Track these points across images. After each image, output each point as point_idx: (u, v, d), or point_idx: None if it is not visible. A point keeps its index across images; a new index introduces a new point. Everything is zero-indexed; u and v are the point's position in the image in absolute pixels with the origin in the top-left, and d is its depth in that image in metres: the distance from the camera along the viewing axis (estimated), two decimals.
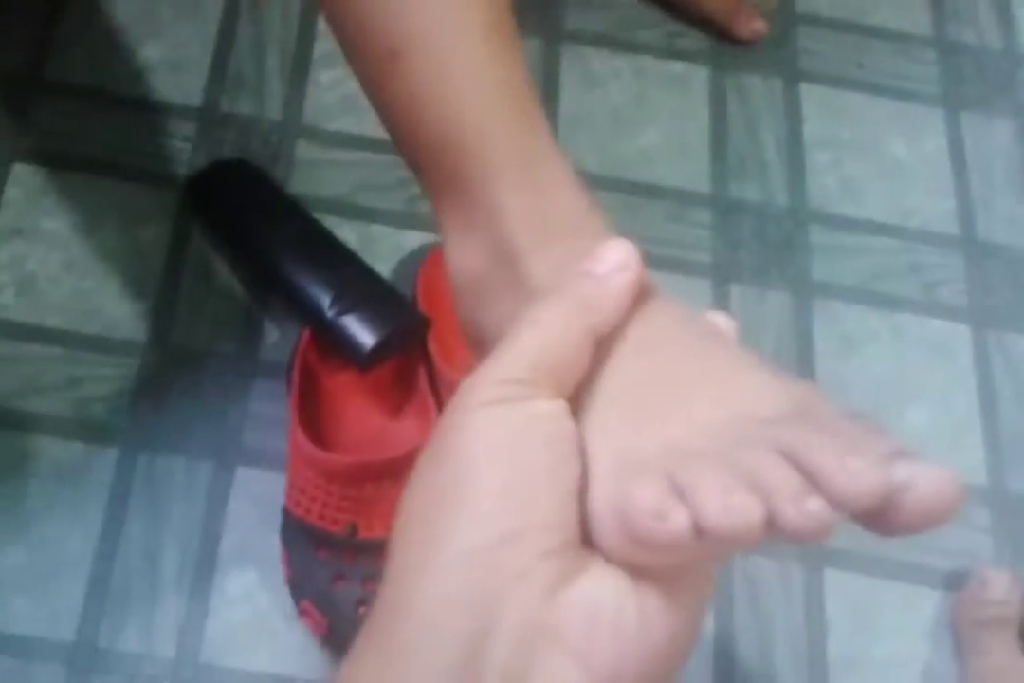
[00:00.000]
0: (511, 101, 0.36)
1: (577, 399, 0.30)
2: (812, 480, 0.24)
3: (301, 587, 0.58)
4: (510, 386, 0.28)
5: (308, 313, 0.66)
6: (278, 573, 0.60)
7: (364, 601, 0.56)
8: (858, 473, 0.24)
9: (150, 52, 0.81)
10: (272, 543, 0.61)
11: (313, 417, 0.65)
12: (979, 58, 0.91)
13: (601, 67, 0.86)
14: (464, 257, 0.37)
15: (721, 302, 0.76)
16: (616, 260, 0.31)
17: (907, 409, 0.73)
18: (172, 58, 0.81)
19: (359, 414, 0.67)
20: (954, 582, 0.66)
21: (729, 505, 0.24)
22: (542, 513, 0.27)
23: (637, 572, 0.27)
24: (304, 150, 0.77)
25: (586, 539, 0.27)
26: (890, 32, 0.91)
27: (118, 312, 0.70)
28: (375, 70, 0.38)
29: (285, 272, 0.68)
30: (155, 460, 0.65)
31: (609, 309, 0.30)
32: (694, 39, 0.88)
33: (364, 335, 0.64)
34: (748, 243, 0.79)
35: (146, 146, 0.77)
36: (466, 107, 0.36)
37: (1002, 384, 0.75)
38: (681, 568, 0.27)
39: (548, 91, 0.83)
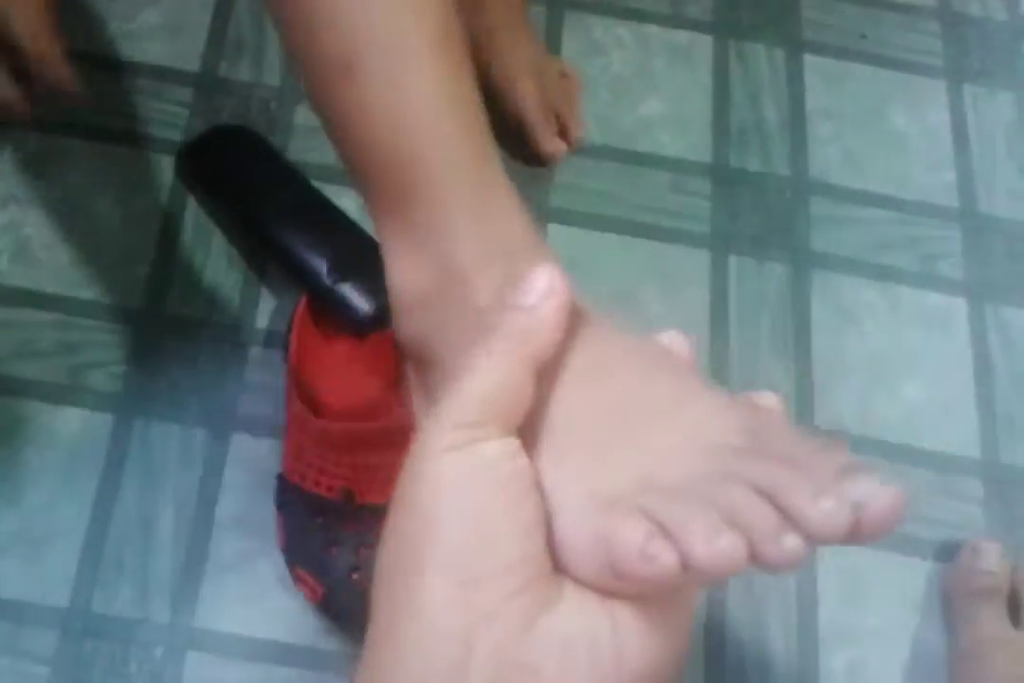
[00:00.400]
0: (461, 120, 0.36)
1: (528, 431, 0.30)
2: (788, 518, 0.26)
3: (296, 553, 0.58)
4: (461, 431, 0.29)
5: (306, 280, 0.66)
6: (273, 539, 0.60)
7: (358, 568, 0.56)
8: (831, 513, 0.25)
9: (148, 16, 0.80)
10: (268, 510, 0.61)
11: (309, 385, 0.65)
12: (983, 30, 0.90)
13: (604, 35, 0.85)
14: (408, 275, 0.36)
15: (719, 273, 0.76)
16: (542, 287, 0.31)
17: (903, 382, 0.73)
18: (170, 22, 0.80)
19: (356, 382, 0.67)
20: (945, 553, 0.67)
21: (717, 546, 0.25)
22: (503, 556, 0.27)
23: (610, 599, 0.28)
24: (303, 117, 0.76)
25: (555, 566, 0.28)
26: (894, 3, 0.90)
27: (114, 279, 0.70)
28: (327, 81, 0.37)
29: (283, 239, 0.68)
30: (150, 427, 0.65)
31: (543, 338, 0.31)
32: (698, 8, 0.87)
33: (362, 302, 0.64)
34: (747, 214, 0.78)
35: (143, 112, 0.76)
36: (417, 125, 0.36)
37: (997, 357, 0.75)
38: (656, 594, 0.27)
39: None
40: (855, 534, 0.25)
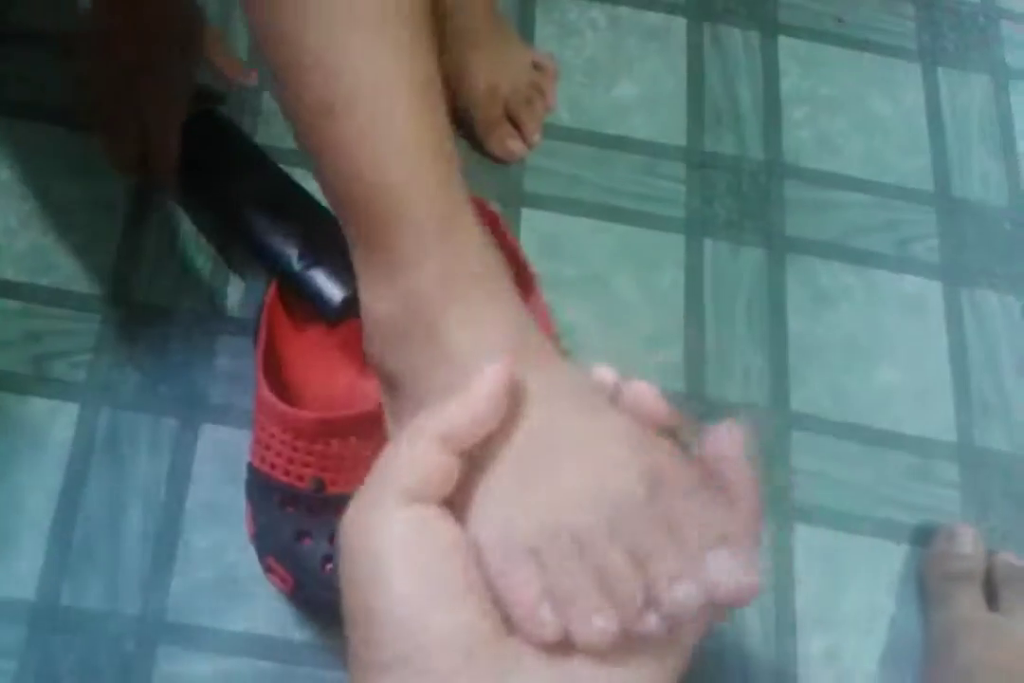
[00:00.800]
0: (435, 165, 0.39)
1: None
2: (650, 595, 0.31)
3: (266, 543, 0.57)
4: (400, 495, 0.32)
5: (276, 266, 0.64)
6: (244, 531, 0.59)
7: (330, 558, 0.55)
8: (683, 599, 0.30)
9: None
10: (239, 500, 0.60)
11: (280, 373, 0.64)
12: (957, 13, 0.89)
13: (577, 17, 0.84)
14: (378, 305, 0.39)
15: (694, 257, 0.75)
16: (482, 392, 0.34)
17: (878, 366, 0.73)
18: None
19: (327, 370, 0.66)
20: (922, 537, 0.67)
21: (593, 625, 0.30)
22: (447, 621, 0.30)
23: (570, 661, 0.31)
24: (270, 102, 0.75)
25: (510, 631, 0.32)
26: None
27: (79, 266, 0.69)
28: (310, 122, 0.39)
29: (252, 224, 0.66)
30: (118, 417, 0.64)
31: (473, 432, 0.34)
32: None
33: (333, 289, 0.62)
34: (722, 197, 0.78)
35: None
36: (393, 169, 0.38)
37: (973, 340, 0.75)
38: (617, 652, 0.31)
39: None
40: (709, 608, 0.30)
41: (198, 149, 0.70)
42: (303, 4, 0.38)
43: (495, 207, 0.72)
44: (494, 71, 0.75)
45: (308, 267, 0.63)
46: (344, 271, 0.62)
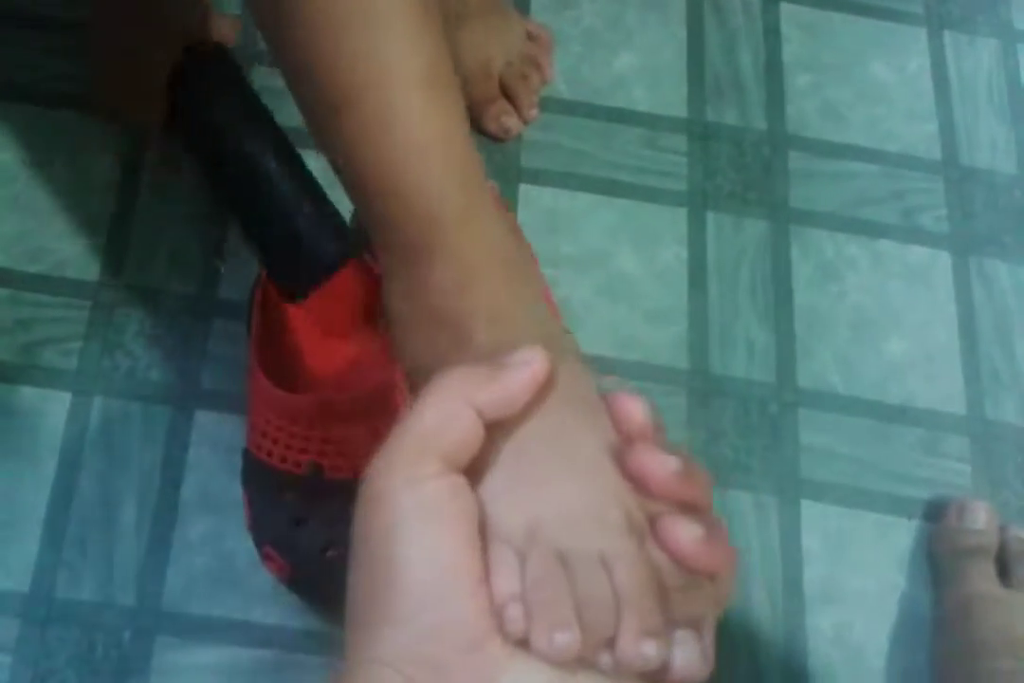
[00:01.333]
0: (447, 153, 0.39)
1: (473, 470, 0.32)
2: (618, 635, 0.30)
3: (263, 531, 0.56)
4: (402, 468, 0.30)
5: (271, 217, 0.62)
6: (240, 518, 0.58)
7: (328, 545, 0.54)
8: (645, 657, 0.29)
9: None
10: (234, 488, 0.59)
11: (275, 356, 0.62)
12: None
13: None
14: (400, 302, 0.40)
15: (697, 230, 0.74)
16: (524, 358, 0.33)
17: (887, 339, 0.72)
18: None
19: (323, 351, 0.64)
20: (932, 512, 0.66)
21: (555, 639, 0.29)
22: (455, 609, 0.29)
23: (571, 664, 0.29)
24: (266, 78, 0.73)
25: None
26: None
27: (68, 250, 0.67)
28: (320, 121, 0.40)
29: (250, 180, 0.63)
30: (110, 405, 0.63)
31: (503, 392, 0.32)
32: None
33: (327, 238, 0.60)
34: (725, 169, 0.76)
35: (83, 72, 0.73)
36: (406, 162, 0.38)
37: (982, 311, 0.73)
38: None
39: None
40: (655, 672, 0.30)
41: (195, 97, 0.67)
42: (311, 7, 0.39)
43: (492, 184, 0.70)
44: (487, 45, 0.73)
45: (305, 219, 0.61)
46: (337, 226, 0.60)
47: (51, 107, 0.71)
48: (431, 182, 0.38)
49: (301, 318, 0.64)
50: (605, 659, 0.29)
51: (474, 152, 0.40)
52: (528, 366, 0.32)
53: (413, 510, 0.29)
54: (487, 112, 0.74)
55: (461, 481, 0.30)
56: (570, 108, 0.77)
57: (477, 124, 0.74)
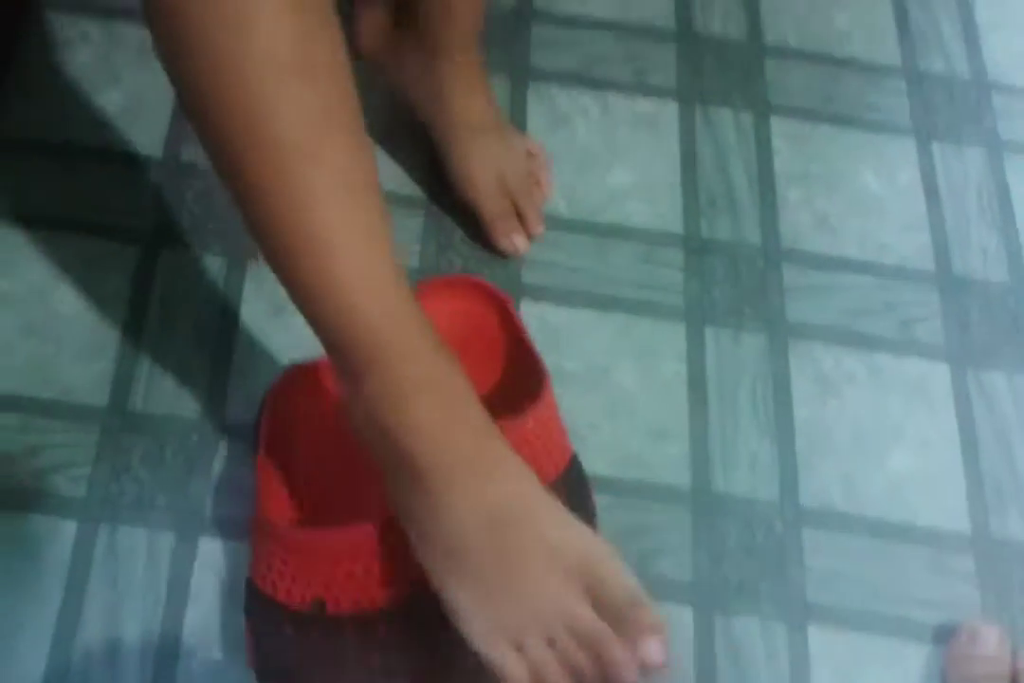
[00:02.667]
0: (370, 260, 0.44)
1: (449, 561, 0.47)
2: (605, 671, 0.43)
3: (267, 669, 0.55)
4: None
5: None
6: (244, 651, 0.58)
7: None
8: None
9: (108, 100, 0.79)
10: (238, 619, 0.59)
11: (284, 478, 0.63)
12: (949, 87, 0.90)
13: (568, 105, 0.85)
14: (349, 408, 0.47)
15: (695, 345, 0.75)
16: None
17: (888, 454, 0.72)
18: (132, 106, 0.79)
19: (336, 474, 0.65)
20: (941, 635, 0.65)
21: None
22: None
23: None
24: None
25: None
26: (859, 62, 0.90)
27: (77, 375, 0.69)
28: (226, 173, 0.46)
29: None
30: (116, 532, 0.63)
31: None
32: (662, 75, 0.87)
33: None
34: (721, 284, 0.77)
35: (106, 199, 0.75)
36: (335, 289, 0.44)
37: (982, 425, 0.73)
38: None
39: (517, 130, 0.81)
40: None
41: None
42: (218, 51, 0.41)
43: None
44: (498, 162, 0.74)
45: None
46: None
47: (60, 230, 0.73)
48: (363, 290, 0.44)
49: (315, 437, 0.65)
50: None
51: (392, 244, 0.45)
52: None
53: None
54: (498, 228, 0.75)
55: None
56: (568, 224, 0.79)
57: (481, 239, 0.76)
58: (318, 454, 0.65)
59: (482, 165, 0.74)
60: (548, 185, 0.79)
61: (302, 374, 0.65)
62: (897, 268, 0.79)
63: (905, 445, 0.72)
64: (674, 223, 0.80)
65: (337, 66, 0.43)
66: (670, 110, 0.85)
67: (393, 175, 0.78)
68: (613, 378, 0.73)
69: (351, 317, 0.43)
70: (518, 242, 0.75)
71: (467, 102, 0.74)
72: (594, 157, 0.82)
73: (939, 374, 0.75)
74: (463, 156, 0.74)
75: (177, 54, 0.43)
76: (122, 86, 0.81)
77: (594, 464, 0.67)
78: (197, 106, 0.44)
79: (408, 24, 0.72)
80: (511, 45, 0.86)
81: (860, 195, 0.83)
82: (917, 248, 0.81)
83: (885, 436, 0.72)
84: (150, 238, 0.74)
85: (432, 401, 0.44)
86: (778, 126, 0.85)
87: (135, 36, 0.83)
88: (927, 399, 0.74)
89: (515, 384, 0.68)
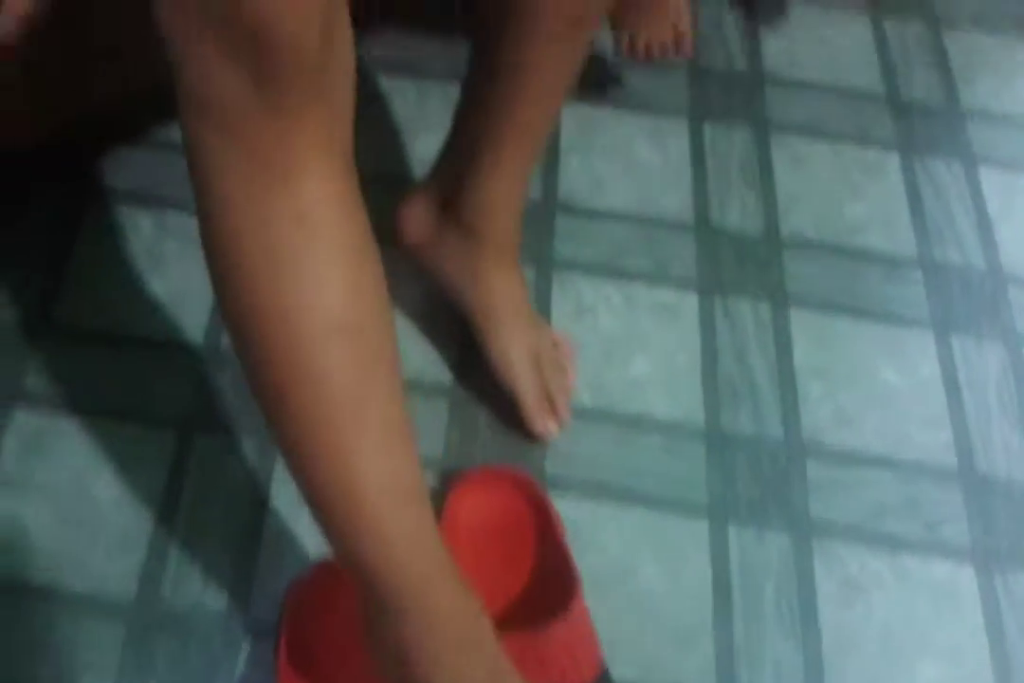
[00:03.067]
0: (403, 521, 0.48)
1: None
2: None
3: None
4: None
5: None
6: None
7: None
8: None
9: (155, 288, 0.83)
10: None
11: (306, 679, 0.62)
12: (965, 279, 0.92)
13: (592, 296, 0.88)
14: (377, 647, 0.52)
15: (719, 543, 0.75)
16: None
17: (917, 662, 0.70)
18: (176, 294, 0.83)
19: (358, 676, 0.64)
20: None
21: None
22: None
23: None
24: None
25: None
26: (876, 254, 0.93)
27: (107, 568, 0.69)
28: (266, 408, 0.48)
29: None
30: None
31: None
32: (682, 265, 0.90)
33: None
34: (744, 479, 0.78)
35: (146, 385, 0.78)
36: (368, 535, 0.48)
37: (1012, 631, 0.72)
38: None
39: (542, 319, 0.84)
40: None
41: None
42: (268, 299, 0.44)
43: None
44: (534, 347, 0.77)
45: None
46: None
47: (99, 418, 0.75)
48: (400, 549, 0.47)
49: (341, 640, 0.65)
50: None
51: (428, 499, 0.48)
52: None
53: None
54: (535, 412, 0.76)
55: None
56: (591, 415, 0.80)
57: (518, 424, 0.77)
58: (340, 653, 0.65)
59: (520, 349, 0.77)
60: (574, 373, 0.82)
61: (324, 572, 0.66)
62: (919, 464, 0.80)
63: (934, 654, 0.71)
64: (695, 415, 0.81)
65: (382, 317, 0.45)
66: (690, 301, 0.88)
67: (418, 359, 0.81)
68: (636, 578, 0.73)
69: (387, 566, 0.46)
70: (551, 427, 0.77)
71: (506, 287, 0.77)
72: (616, 347, 0.85)
73: (966, 577, 0.74)
74: (502, 339, 0.77)
75: (226, 290, 0.46)
76: (168, 274, 0.85)
77: (619, 667, 0.67)
78: (241, 338, 0.46)
79: (452, 216, 0.76)
80: (536, 236, 0.90)
81: (880, 389, 0.84)
82: (940, 444, 0.81)
83: (913, 644, 0.71)
84: (186, 424, 0.76)
85: (450, 637, 0.46)
86: (796, 317, 0.88)
87: (183, 226, 0.87)
88: (955, 603, 0.73)
89: (545, 584, 0.68)
